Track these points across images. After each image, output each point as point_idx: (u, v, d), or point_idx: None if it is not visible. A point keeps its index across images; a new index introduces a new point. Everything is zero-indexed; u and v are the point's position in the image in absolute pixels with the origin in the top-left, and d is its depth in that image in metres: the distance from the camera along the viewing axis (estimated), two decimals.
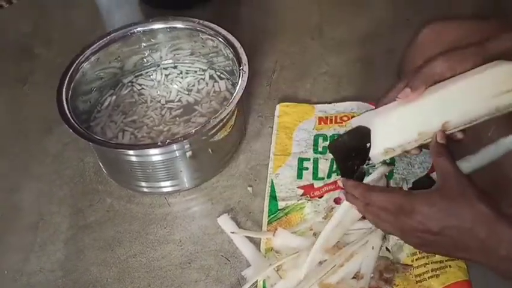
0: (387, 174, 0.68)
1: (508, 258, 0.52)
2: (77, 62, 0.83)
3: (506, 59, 0.58)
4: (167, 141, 0.72)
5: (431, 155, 0.59)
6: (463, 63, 0.59)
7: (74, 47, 0.87)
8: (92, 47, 0.85)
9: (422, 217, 0.55)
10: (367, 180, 0.66)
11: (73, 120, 0.75)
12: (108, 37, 0.87)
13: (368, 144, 0.62)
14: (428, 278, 0.67)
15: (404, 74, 0.70)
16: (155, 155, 0.75)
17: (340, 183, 0.65)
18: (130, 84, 0.94)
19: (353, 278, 0.67)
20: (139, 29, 0.89)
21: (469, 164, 0.59)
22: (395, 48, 0.90)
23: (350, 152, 0.64)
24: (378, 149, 0.62)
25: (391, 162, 0.73)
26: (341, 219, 0.68)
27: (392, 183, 0.76)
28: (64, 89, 0.79)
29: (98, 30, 1.14)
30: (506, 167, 0.59)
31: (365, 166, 0.64)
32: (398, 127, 0.61)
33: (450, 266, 0.67)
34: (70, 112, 0.76)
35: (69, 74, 0.81)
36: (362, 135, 0.63)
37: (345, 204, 0.66)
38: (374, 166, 0.66)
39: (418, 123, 0.60)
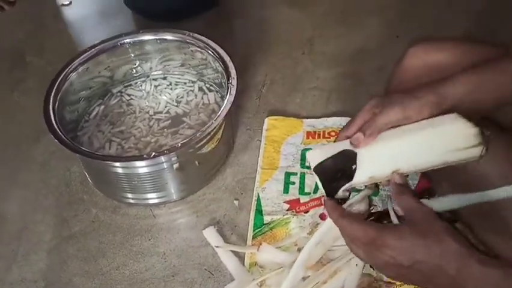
0: (369, 196, 0.68)
1: None
2: (65, 71, 0.83)
3: (462, 107, 0.59)
4: (153, 153, 0.72)
5: (392, 196, 0.60)
6: (419, 114, 0.59)
7: (66, 55, 0.87)
8: (81, 57, 0.85)
9: (392, 252, 0.55)
10: (350, 202, 0.66)
11: (59, 130, 0.75)
12: (97, 47, 0.87)
13: (353, 166, 0.63)
14: None
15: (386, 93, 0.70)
16: (141, 167, 0.75)
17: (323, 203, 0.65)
18: (119, 94, 0.94)
19: None
20: (128, 40, 0.89)
21: (440, 204, 0.60)
22: (384, 64, 0.91)
23: (335, 174, 0.64)
24: None
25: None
26: (324, 235, 0.67)
27: (377, 200, 0.76)
28: (51, 99, 0.79)
29: (91, 39, 1.14)
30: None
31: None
32: None
33: None
34: (56, 122, 0.76)
35: (56, 84, 0.81)
36: (348, 158, 0.63)
37: (329, 221, 0.66)
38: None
39: (369, 168, 0.62)
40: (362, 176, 0.62)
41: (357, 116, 0.64)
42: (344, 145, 0.63)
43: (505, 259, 0.54)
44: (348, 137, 0.64)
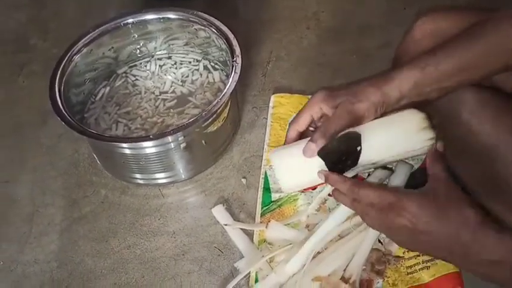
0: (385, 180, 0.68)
1: (491, 262, 0.53)
2: (69, 54, 0.83)
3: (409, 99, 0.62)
4: (159, 133, 0.72)
5: (428, 159, 0.62)
6: (366, 116, 0.63)
7: (70, 37, 0.87)
8: (85, 39, 0.85)
9: (411, 216, 0.56)
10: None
11: (66, 112, 0.75)
12: (100, 28, 0.86)
13: (358, 148, 0.63)
14: (419, 269, 0.67)
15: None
16: (148, 147, 0.75)
17: (322, 178, 0.65)
18: (124, 75, 0.93)
19: (345, 270, 0.67)
20: (131, 20, 0.88)
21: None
22: (391, 39, 0.90)
23: (340, 156, 0.64)
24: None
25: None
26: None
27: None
28: (57, 82, 0.79)
29: (94, 20, 1.12)
30: (499, 165, 0.59)
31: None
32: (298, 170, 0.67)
33: None
34: (62, 104, 0.76)
35: (61, 66, 0.81)
36: (352, 139, 0.63)
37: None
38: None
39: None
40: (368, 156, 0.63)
41: (305, 110, 0.66)
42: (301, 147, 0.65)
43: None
44: (299, 131, 0.67)
